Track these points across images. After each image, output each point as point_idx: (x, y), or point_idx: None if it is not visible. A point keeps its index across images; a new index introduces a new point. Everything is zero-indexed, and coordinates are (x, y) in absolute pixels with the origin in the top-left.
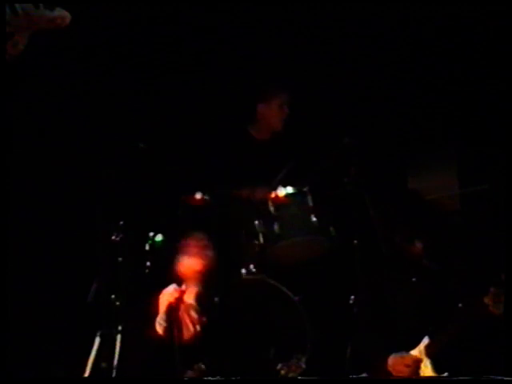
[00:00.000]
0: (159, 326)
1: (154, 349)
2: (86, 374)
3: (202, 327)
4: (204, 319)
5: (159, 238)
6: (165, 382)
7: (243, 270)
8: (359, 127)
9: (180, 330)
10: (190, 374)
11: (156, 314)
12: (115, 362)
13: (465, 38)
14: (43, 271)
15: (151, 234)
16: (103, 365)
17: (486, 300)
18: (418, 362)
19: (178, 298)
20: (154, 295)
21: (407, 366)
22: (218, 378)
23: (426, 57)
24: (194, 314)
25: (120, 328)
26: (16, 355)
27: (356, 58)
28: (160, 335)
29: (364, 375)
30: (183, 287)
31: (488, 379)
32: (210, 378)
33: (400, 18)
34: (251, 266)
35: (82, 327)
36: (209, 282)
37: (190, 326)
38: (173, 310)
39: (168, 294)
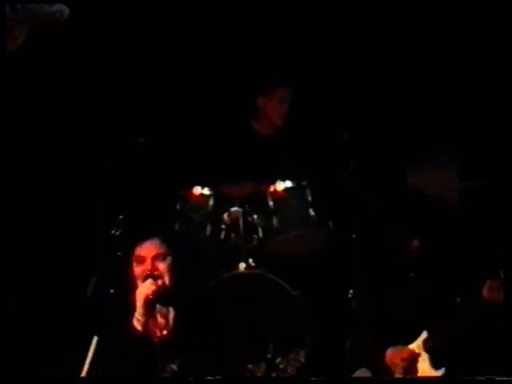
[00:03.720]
0: (137, 322)
1: (134, 345)
2: (85, 369)
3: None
4: (171, 315)
5: None
6: (165, 382)
7: (243, 264)
8: (358, 122)
9: (157, 325)
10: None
11: (134, 309)
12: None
13: (466, 32)
14: (42, 266)
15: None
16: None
17: (484, 291)
18: (414, 356)
19: (154, 290)
20: (131, 291)
21: (403, 359)
22: (218, 377)
23: (425, 51)
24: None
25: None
26: (16, 352)
27: (356, 53)
28: (139, 331)
29: (364, 369)
30: (159, 282)
31: (488, 379)
32: (209, 377)
33: (400, 12)
34: (250, 261)
35: (81, 322)
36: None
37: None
38: (150, 303)
39: (145, 288)
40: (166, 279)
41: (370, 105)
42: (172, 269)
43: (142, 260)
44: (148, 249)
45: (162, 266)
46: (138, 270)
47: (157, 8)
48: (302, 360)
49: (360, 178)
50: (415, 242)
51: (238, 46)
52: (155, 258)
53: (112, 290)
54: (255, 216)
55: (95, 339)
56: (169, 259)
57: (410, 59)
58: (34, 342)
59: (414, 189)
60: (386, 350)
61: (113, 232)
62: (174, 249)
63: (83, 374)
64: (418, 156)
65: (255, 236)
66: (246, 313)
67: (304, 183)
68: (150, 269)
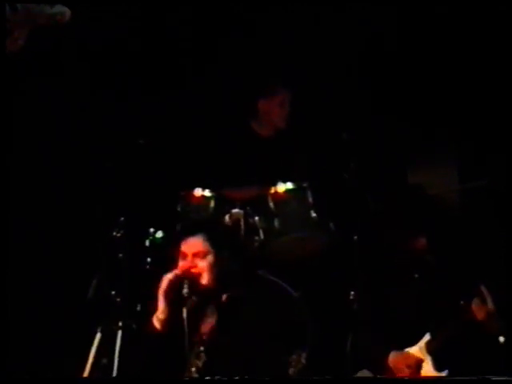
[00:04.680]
0: (157, 321)
1: (153, 346)
2: (87, 371)
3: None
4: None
5: (159, 234)
6: (165, 382)
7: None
8: (358, 122)
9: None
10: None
11: (155, 310)
12: (116, 358)
13: (466, 32)
14: (44, 267)
15: (151, 230)
16: (104, 361)
17: (473, 306)
18: (420, 363)
19: (177, 273)
20: (154, 290)
21: (408, 366)
22: (217, 377)
23: (425, 51)
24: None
25: (120, 324)
26: (16, 352)
27: (356, 53)
28: (158, 331)
29: (365, 371)
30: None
31: (488, 379)
32: (209, 377)
33: (400, 12)
34: None
35: (83, 323)
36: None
37: None
38: (170, 301)
39: (168, 276)
40: (205, 278)
41: (370, 105)
42: (211, 268)
43: (183, 256)
44: (190, 245)
45: (201, 264)
46: (179, 265)
47: (157, 8)
48: (304, 362)
49: (360, 178)
50: (422, 241)
51: (238, 46)
52: (196, 255)
53: (113, 292)
54: (256, 218)
55: (98, 336)
56: (209, 258)
57: (410, 59)
58: (34, 341)
59: (414, 189)
60: (387, 351)
61: (114, 233)
62: (217, 248)
63: (86, 371)
64: (418, 156)
65: (256, 238)
66: (247, 314)
67: (305, 185)
68: (188, 266)
